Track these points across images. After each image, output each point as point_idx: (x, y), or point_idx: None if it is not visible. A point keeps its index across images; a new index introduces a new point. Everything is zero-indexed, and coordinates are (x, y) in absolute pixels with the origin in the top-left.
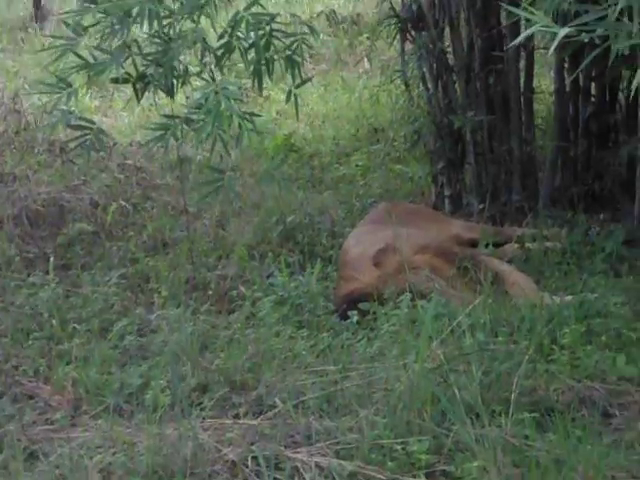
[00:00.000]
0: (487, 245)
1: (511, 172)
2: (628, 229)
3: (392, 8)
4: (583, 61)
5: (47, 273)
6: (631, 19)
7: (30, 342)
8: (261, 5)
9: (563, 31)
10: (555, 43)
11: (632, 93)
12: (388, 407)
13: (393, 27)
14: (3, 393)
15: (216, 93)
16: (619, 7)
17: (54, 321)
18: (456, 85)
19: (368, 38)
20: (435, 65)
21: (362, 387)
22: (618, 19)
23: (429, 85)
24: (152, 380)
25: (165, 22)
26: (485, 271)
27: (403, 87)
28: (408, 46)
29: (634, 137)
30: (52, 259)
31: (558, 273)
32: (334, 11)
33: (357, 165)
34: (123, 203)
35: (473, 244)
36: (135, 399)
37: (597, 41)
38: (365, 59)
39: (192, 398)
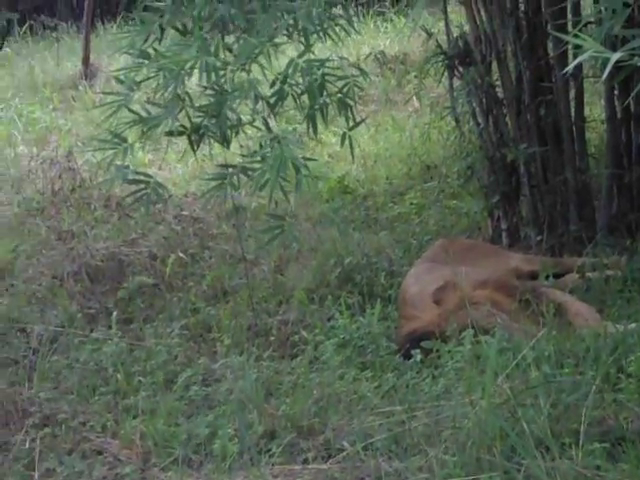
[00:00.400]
0: (547, 277)
1: (567, 202)
2: None
3: (439, 45)
4: (633, 87)
5: (110, 328)
6: None
7: (96, 397)
8: (312, 52)
9: (615, 56)
10: (608, 68)
11: None
12: (457, 445)
13: (440, 64)
14: (72, 450)
15: (278, 142)
16: None
17: (119, 375)
18: (507, 118)
19: (416, 77)
20: (484, 99)
21: (429, 426)
22: None
23: (479, 120)
24: (219, 429)
25: (220, 73)
26: (547, 303)
27: (454, 123)
28: (456, 82)
29: None
30: (115, 313)
31: (620, 301)
32: (383, 52)
33: (411, 203)
34: (181, 254)
35: (533, 276)
36: (203, 449)
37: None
38: (414, 98)
39: (260, 445)
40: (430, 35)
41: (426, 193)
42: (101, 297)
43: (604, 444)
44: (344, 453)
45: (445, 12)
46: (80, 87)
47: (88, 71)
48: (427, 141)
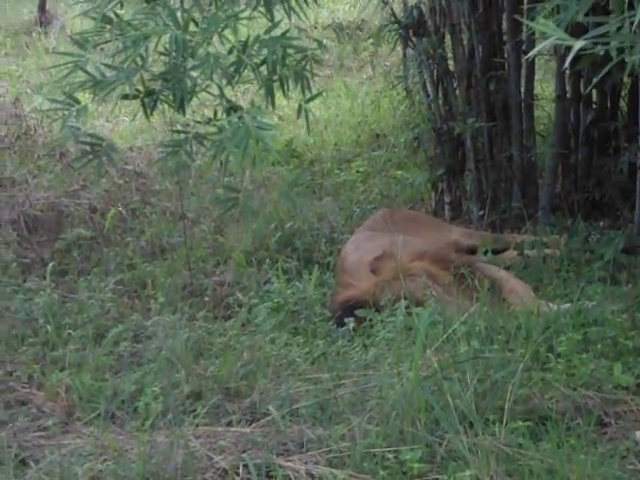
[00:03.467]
0: (486, 252)
1: (511, 179)
2: (628, 237)
3: (393, 14)
4: (584, 67)
5: (44, 278)
6: None
7: (24, 348)
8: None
9: (579, 44)
10: (570, 56)
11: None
12: (381, 415)
13: (394, 33)
14: None
15: (240, 117)
16: (637, 19)
17: (49, 327)
18: (457, 91)
19: (372, 44)
20: (435, 71)
21: (356, 395)
22: (635, 31)
23: (429, 91)
24: (145, 387)
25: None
26: (482, 278)
27: (405, 93)
28: (411, 52)
29: (635, 144)
30: (50, 264)
31: (556, 281)
32: (341, 24)
33: (358, 171)
34: (121, 209)
35: (472, 251)
36: (128, 406)
37: (612, 53)
38: (368, 65)
39: (185, 405)
40: (385, 3)
41: (373, 162)
42: (38, 247)
43: (528, 422)
44: (269, 417)
45: None
46: (34, 34)
47: (44, 18)
48: (377, 109)
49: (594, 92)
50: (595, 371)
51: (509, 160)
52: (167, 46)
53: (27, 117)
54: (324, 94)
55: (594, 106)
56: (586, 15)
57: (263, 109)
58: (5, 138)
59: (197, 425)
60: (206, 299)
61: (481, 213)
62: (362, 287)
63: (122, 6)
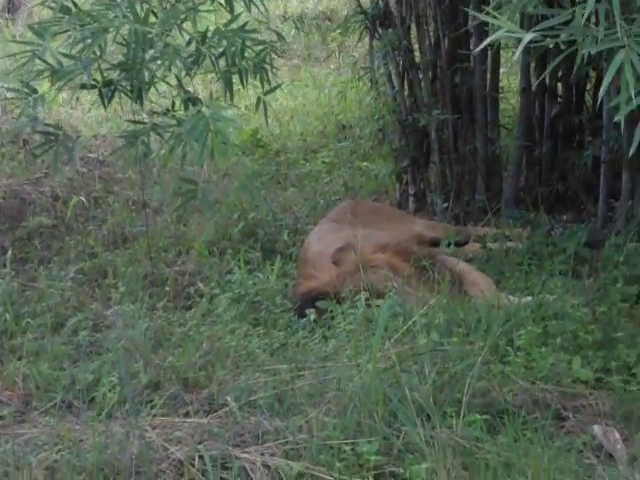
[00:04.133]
0: (449, 244)
1: (475, 171)
2: (591, 230)
3: (359, 4)
4: (550, 60)
5: (4, 267)
6: (598, 24)
7: None
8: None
9: (528, 36)
10: (520, 48)
11: (599, 101)
12: (339, 407)
13: (360, 24)
14: None
15: (199, 111)
16: (587, 12)
17: (7, 315)
18: (422, 83)
19: (340, 34)
20: (401, 62)
21: (315, 387)
22: (586, 24)
23: (395, 82)
24: (103, 377)
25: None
26: (444, 271)
27: (370, 84)
28: (377, 43)
29: (599, 138)
30: (10, 252)
31: (518, 274)
32: (301, 17)
33: (323, 162)
34: (83, 197)
35: (435, 243)
36: (85, 395)
37: (562, 46)
38: (335, 55)
39: (143, 396)
40: None
41: (339, 152)
42: None
43: (485, 416)
44: (226, 409)
45: None
46: (1, 20)
47: (11, 5)
48: (343, 100)
49: (559, 85)
50: (554, 365)
51: (473, 152)
52: (127, 37)
53: None
54: (290, 84)
55: (559, 99)
56: (536, 7)
57: (224, 101)
58: None
59: (155, 415)
60: (167, 289)
61: (445, 205)
62: (324, 278)
63: None
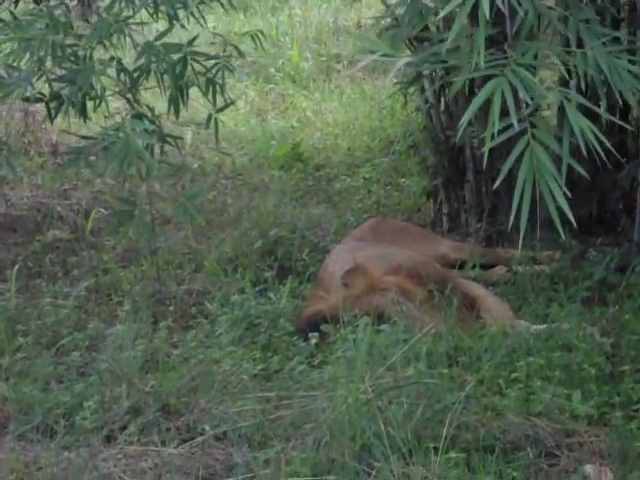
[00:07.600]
0: (474, 267)
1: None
2: (623, 255)
3: (395, 18)
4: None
5: (9, 282)
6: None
7: None
8: (204, 26)
9: (401, 61)
10: (393, 72)
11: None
12: (314, 441)
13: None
14: None
15: (123, 132)
16: (442, 14)
17: (1, 333)
18: (457, 99)
19: None
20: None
21: (297, 417)
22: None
23: (430, 97)
24: (85, 400)
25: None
26: (456, 295)
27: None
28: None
29: (637, 160)
30: (16, 267)
31: (541, 299)
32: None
33: (364, 177)
34: (104, 211)
35: (461, 265)
36: (65, 420)
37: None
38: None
39: (123, 421)
40: (388, 7)
41: (379, 168)
42: (14, 248)
43: (464, 453)
44: (200, 438)
45: None
46: None
47: None
48: (393, 115)
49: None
50: (553, 399)
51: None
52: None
53: None
54: (344, 97)
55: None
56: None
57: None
58: None
59: (132, 443)
60: (170, 308)
61: (478, 226)
62: (331, 301)
63: (16, 6)
